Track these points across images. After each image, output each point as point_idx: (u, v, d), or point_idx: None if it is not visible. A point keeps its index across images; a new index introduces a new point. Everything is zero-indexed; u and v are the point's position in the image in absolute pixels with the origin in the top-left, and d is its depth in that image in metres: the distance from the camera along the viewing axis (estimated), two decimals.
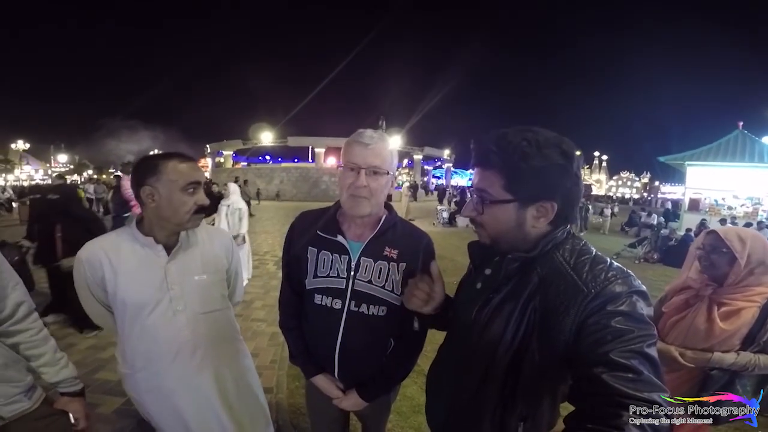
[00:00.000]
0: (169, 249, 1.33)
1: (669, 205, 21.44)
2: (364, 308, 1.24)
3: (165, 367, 1.33)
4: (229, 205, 4.94)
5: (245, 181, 16.50)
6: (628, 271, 0.80)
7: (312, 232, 1.28)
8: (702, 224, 11.08)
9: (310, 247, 1.28)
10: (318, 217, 1.31)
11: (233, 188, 5.27)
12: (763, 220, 10.54)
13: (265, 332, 3.82)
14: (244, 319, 4.09)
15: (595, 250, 0.85)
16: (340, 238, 1.24)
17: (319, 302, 1.27)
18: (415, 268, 1.24)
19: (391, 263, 1.24)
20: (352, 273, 1.23)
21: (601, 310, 0.74)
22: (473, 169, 0.90)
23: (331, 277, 1.25)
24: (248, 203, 15.28)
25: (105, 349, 3.26)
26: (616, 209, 19.55)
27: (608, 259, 0.83)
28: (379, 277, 1.23)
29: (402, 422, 2.42)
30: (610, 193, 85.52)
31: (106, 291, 1.30)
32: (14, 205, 14.10)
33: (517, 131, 0.83)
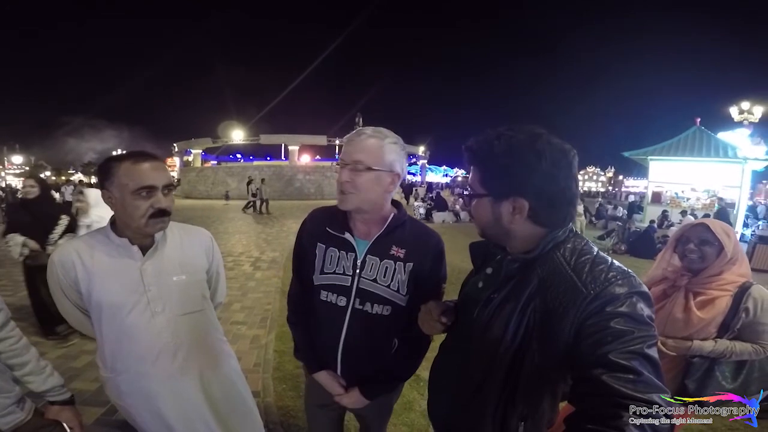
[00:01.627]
0: (144, 250, 1.30)
1: (632, 198, 22.29)
2: (368, 307, 1.24)
3: (146, 369, 1.29)
4: (89, 225, 3.34)
5: (262, 180, 15.34)
6: (629, 271, 0.79)
7: (322, 229, 1.29)
8: (664, 215, 11.65)
9: (318, 243, 1.29)
10: (329, 214, 1.31)
11: (94, 197, 3.45)
12: (721, 210, 11.14)
13: (245, 335, 3.75)
14: (223, 322, 3.97)
15: (596, 250, 0.84)
16: (347, 235, 1.24)
17: (325, 298, 1.27)
18: (422, 269, 1.24)
19: (398, 263, 1.23)
20: (358, 271, 1.23)
21: (600, 312, 0.74)
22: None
23: (337, 274, 1.25)
24: (265, 202, 14.50)
25: (77, 358, 3.12)
26: (596, 204, 18.88)
27: (609, 259, 0.82)
28: (384, 276, 1.23)
29: (394, 419, 2.43)
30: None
31: (80, 293, 1.26)
32: None
33: (499, 129, 0.85)
